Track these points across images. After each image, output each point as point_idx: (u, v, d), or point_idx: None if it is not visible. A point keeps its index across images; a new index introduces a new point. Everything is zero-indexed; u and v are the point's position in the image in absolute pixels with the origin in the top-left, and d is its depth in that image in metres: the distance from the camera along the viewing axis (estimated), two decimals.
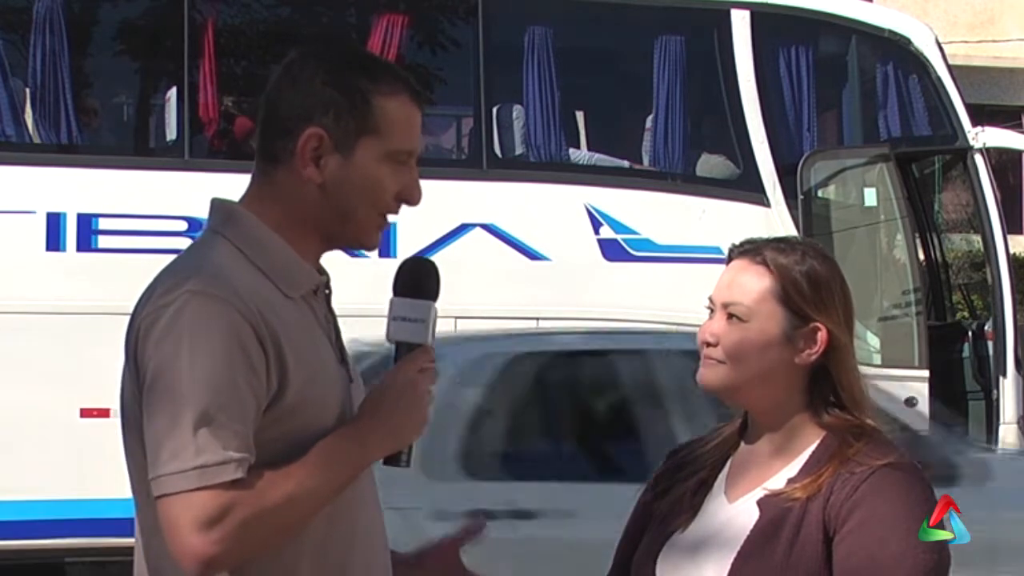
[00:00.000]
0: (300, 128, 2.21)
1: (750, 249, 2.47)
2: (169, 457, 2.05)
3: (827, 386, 2.44)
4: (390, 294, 2.29)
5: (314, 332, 2.24)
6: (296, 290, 2.23)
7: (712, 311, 2.46)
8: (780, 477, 2.41)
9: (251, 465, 2.08)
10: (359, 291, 5.54)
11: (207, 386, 2.06)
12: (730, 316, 2.42)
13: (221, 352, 2.08)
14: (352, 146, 2.21)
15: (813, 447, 2.42)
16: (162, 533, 2.10)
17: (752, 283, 2.43)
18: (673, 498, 2.50)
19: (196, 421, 2.05)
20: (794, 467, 2.41)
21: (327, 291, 2.32)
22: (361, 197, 2.23)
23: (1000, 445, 9.34)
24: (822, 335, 2.41)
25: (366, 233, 2.27)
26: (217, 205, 2.29)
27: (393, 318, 2.25)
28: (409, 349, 2.25)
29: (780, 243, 2.48)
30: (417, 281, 2.27)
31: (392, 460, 2.24)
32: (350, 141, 2.21)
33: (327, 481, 2.15)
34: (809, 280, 2.42)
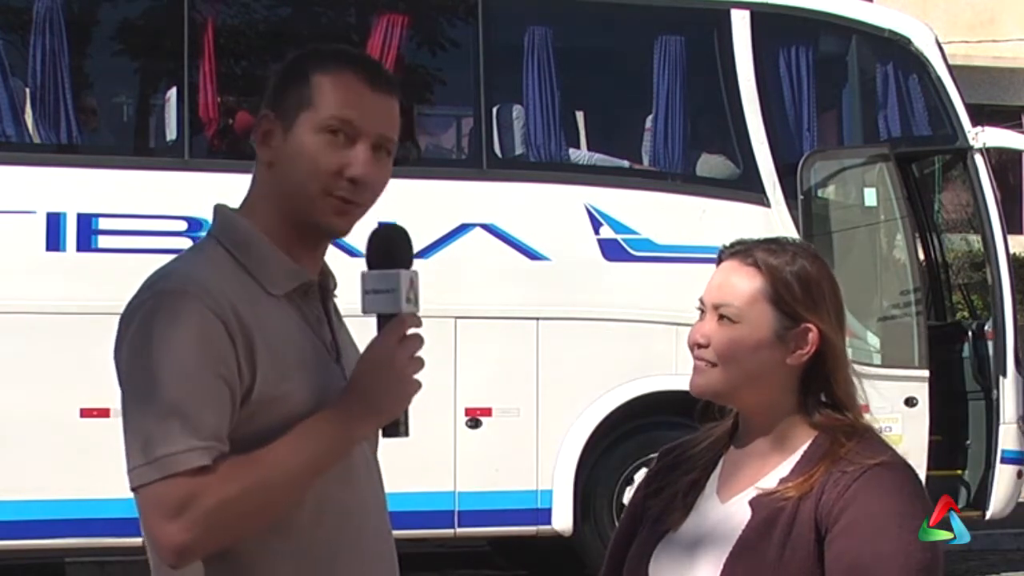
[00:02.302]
0: (260, 114, 2.29)
1: (740, 250, 2.47)
2: (138, 450, 2.10)
3: (818, 386, 2.44)
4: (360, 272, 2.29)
5: (298, 330, 2.25)
6: (279, 288, 2.25)
7: (703, 312, 2.47)
8: (772, 477, 2.41)
9: (223, 453, 2.10)
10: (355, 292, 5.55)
11: (174, 378, 2.09)
12: (721, 317, 2.42)
13: (188, 346, 2.11)
14: (292, 121, 2.25)
15: (805, 447, 2.42)
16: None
17: (743, 284, 2.43)
18: (665, 498, 2.51)
19: (163, 412, 2.09)
20: (786, 467, 2.41)
21: (325, 291, 2.34)
22: (299, 171, 2.23)
23: (1000, 445, 9.36)
24: (813, 335, 2.41)
25: (321, 215, 2.25)
26: (216, 209, 2.35)
27: (365, 292, 2.24)
28: (386, 320, 2.23)
29: (770, 244, 2.48)
30: (385, 250, 2.26)
31: (391, 430, 2.24)
32: (291, 118, 2.25)
33: (304, 462, 2.15)
34: (800, 281, 2.42)
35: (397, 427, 2.23)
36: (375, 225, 2.31)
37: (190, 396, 2.09)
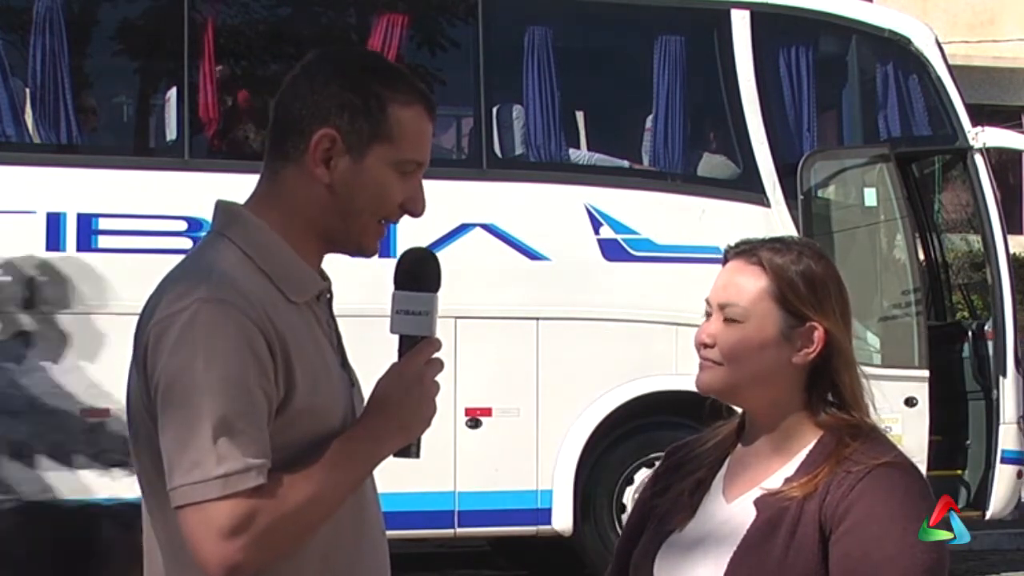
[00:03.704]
0: (313, 127, 2.21)
1: (746, 250, 2.47)
2: (190, 466, 2.05)
3: (825, 385, 2.44)
4: (391, 293, 2.29)
5: (317, 337, 2.24)
6: (301, 296, 2.23)
7: (709, 313, 2.46)
8: (777, 476, 2.41)
9: (269, 470, 2.09)
10: (359, 292, 5.56)
11: (223, 393, 2.06)
12: (727, 318, 2.42)
13: (235, 359, 2.07)
14: (364, 150, 2.22)
15: (810, 446, 2.41)
16: (180, 540, 2.10)
17: (748, 284, 2.42)
18: (671, 497, 2.50)
19: (215, 429, 2.05)
20: (791, 466, 2.41)
21: (329, 296, 2.33)
22: (367, 201, 2.24)
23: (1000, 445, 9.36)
24: (819, 334, 2.41)
25: (366, 238, 2.27)
26: (222, 207, 2.29)
27: (396, 312, 2.25)
28: (413, 341, 2.25)
29: (776, 243, 2.48)
30: (418, 273, 2.27)
31: (403, 452, 2.25)
32: (362, 145, 2.22)
33: (343, 480, 2.16)
34: (805, 280, 2.42)
35: (409, 449, 2.25)
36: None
37: (241, 412, 2.06)
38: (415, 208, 2.28)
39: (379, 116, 2.22)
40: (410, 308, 2.25)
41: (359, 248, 2.29)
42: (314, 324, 2.25)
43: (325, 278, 2.31)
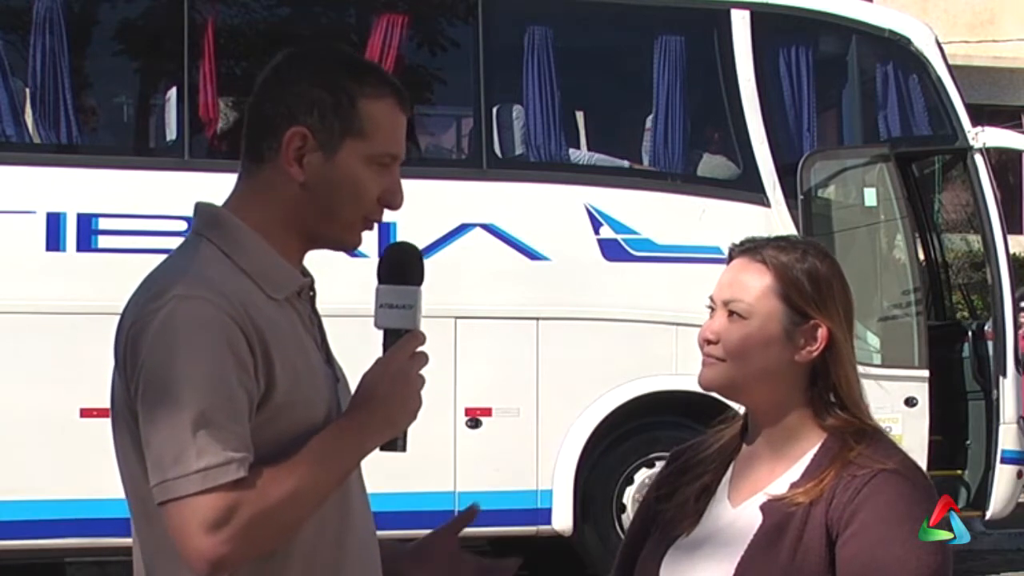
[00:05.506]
0: (285, 127, 2.22)
1: (750, 248, 2.48)
2: (171, 462, 2.06)
3: (826, 385, 2.44)
4: (375, 287, 2.29)
5: (299, 333, 2.25)
6: (280, 292, 2.23)
7: (713, 310, 2.47)
8: (782, 481, 2.41)
9: (251, 464, 2.09)
10: (359, 291, 5.55)
11: (203, 388, 2.06)
12: (731, 314, 2.43)
13: (213, 354, 2.08)
14: (336, 146, 2.22)
15: (814, 450, 2.42)
16: (159, 534, 2.11)
17: (753, 281, 2.43)
18: (677, 502, 2.50)
19: (194, 424, 2.05)
20: (796, 471, 2.41)
21: (311, 293, 2.33)
22: (343, 198, 2.24)
23: (1000, 445, 9.36)
24: (822, 332, 2.41)
25: (348, 233, 2.28)
26: (200, 208, 2.31)
27: (380, 305, 2.25)
28: (397, 335, 2.25)
29: (781, 242, 2.49)
30: (402, 267, 2.28)
31: (389, 446, 2.25)
32: (334, 141, 2.22)
33: (327, 474, 2.16)
34: (810, 278, 2.43)
35: (396, 443, 2.24)
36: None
37: (221, 407, 2.07)
38: (393, 201, 2.28)
39: (349, 111, 2.22)
40: (394, 302, 2.25)
41: (341, 244, 2.30)
42: (296, 320, 2.25)
43: (307, 275, 2.32)
